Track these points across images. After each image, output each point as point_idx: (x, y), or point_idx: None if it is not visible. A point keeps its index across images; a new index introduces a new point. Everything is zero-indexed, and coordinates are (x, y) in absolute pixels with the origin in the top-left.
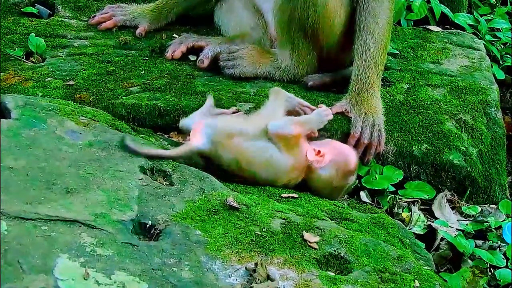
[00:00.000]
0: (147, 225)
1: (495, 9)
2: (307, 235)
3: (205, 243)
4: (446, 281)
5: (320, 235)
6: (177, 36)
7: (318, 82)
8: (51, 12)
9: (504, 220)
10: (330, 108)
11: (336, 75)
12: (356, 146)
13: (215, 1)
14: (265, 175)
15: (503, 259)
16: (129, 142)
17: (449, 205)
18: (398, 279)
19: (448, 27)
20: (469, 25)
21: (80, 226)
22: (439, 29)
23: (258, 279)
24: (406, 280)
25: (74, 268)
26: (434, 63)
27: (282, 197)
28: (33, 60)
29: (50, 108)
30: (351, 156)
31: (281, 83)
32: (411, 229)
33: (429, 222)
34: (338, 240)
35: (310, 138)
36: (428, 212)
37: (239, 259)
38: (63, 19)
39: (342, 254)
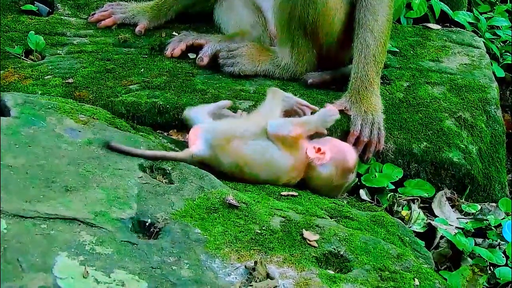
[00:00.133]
0: (147, 223)
1: (495, 7)
2: (306, 234)
3: (204, 242)
4: (445, 279)
5: (320, 233)
6: (176, 34)
7: (317, 80)
8: (50, 10)
9: (503, 218)
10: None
11: (336, 73)
12: (355, 144)
13: None
14: (266, 176)
15: (503, 257)
16: (115, 143)
17: (449, 203)
18: (398, 277)
19: (448, 25)
20: (469, 23)
21: (80, 224)
22: (438, 27)
23: (258, 278)
24: (406, 278)
25: (74, 267)
26: (433, 61)
27: (281, 195)
28: (33, 58)
29: (50, 106)
30: (350, 154)
31: (281, 81)
32: (410, 227)
33: (428, 220)
34: (338, 239)
35: (310, 136)
36: (428, 210)
37: (238, 258)
38: (62, 17)
39: (341, 253)
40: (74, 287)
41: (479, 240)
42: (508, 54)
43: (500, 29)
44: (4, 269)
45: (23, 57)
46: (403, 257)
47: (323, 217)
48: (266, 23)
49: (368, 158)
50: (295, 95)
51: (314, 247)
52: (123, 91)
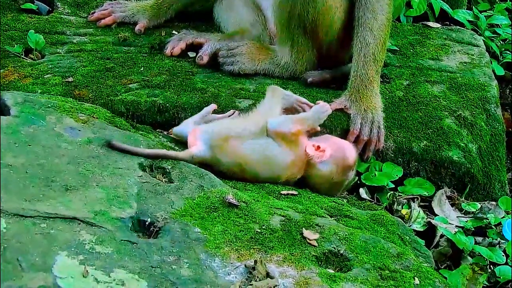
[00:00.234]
0: (146, 223)
1: (494, 5)
2: (306, 233)
3: (204, 241)
4: (446, 278)
5: (320, 232)
6: (176, 33)
7: (317, 79)
8: (50, 9)
9: (503, 217)
10: (330, 105)
11: (336, 71)
12: (355, 142)
13: None
14: (266, 174)
15: (503, 256)
16: (116, 142)
17: (449, 201)
18: (398, 276)
19: (448, 23)
20: (469, 21)
21: (79, 224)
22: (438, 25)
23: (258, 277)
24: (406, 277)
25: (73, 266)
26: (433, 60)
27: (281, 194)
28: (32, 56)
29: (49, 105)
30: (350, 151)
31: (281, 80)
32: (410, 226)
33: (428, 219)
34: (338, 237)
35: (309, 134)
36: (428, 209)
37: (238, 257)
38: (62, 16)
39: (341, 252)
40: (74, 286)
41: (479, 239)
42: (508, 52)
43: (499, 27)
44: (4, 269)
45: (23, 56)
46: (403, 256)
47: (323, 216)
48: (266, 22)
49: (368, 156)
50: (295, 93)
51: (314, 246)
52: (123, 90)
